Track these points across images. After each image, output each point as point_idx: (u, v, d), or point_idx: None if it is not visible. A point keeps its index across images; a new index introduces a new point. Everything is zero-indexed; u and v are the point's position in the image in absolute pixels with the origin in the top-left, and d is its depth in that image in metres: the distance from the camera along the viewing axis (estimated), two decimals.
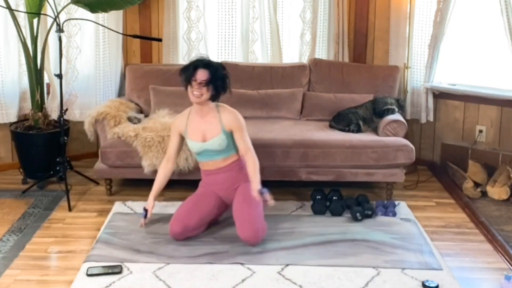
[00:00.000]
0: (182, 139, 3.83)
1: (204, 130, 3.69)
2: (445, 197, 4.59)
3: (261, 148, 4.06)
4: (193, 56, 5.27)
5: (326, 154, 4.31)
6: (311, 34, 5.28)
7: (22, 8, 4.75)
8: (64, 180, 4.37)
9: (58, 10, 4.58)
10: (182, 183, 4.51)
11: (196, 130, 3.71)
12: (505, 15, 4.47)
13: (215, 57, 5.31)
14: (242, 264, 3.40)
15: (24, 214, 4.14)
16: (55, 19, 4.39)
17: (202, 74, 3.58)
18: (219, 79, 3.64)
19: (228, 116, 3.70)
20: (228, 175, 3.75)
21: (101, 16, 5.03)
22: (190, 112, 3.76)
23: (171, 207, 4.21)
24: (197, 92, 3.59)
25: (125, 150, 4.33)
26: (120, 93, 5.32)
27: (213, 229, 3.84)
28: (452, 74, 5.11)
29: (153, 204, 3.85)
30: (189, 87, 3.63)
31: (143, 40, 5.30)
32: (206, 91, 3.60)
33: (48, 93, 4.99)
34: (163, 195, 4.48)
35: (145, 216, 3.84)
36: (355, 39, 5.35)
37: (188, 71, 3.61)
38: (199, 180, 4.40)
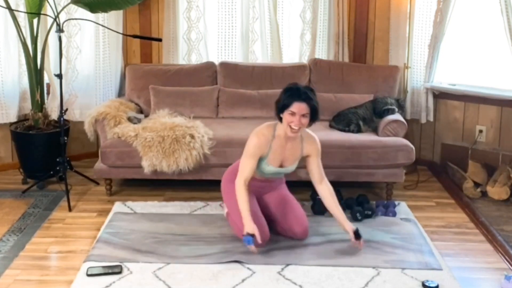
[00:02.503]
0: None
1: (284, 157, 3.60)
2: (445, 197, 4.59)
3: None
4: (193, 56, 5.33)
5: (326, 154, 4.29)
6: (311, 34, 5.28)
7: (22, 8, 4.75)
8: (64, 180, 4.37)
9: (58, 10, 4.58)
10: (182, 183, 4.52)
11: (277, 155, 3.57)
12: (505, 15, 4.46)
13: (215, 57, 5.32)
14: (242, 264, 3.40)
15: (24, 214, 4.14)
16: (55, 19, 4.39)
17: (301, 107, 3.42)
18: (316, 111, 3.49)
19: (310, 144, 3.62)
20: (274, 187, 3.79)
21: (101, 16, 5.02)
22: (275, 136, 3.55)
23: (171, 207, 4.21)
24: (296, 126, 3.44)
25: (125, 150, 4.33)
26: (120, 93, 5.32)
27: (213, 229, 3.85)
28: (452, 74, 5.11)
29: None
30: (285, 116, 3.45)
31: (143, 40, 5.30)
32: (305, 124, 3.48)
33: (48, 93, 4.99)
34: (163, 195, 4.49)
35: (253, 242, 3.43)
36: (355, 39, 5.35)
37: (286, 101, 3.45)
38: (199, 180, 4.43)
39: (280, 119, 3.52)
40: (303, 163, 3.71)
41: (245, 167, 3.54)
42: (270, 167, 3.59)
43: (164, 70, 5.11)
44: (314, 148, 3.63)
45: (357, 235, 3.53)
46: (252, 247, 3.43)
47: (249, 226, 3.43)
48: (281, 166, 3.62)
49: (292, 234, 3.67)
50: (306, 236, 3.68)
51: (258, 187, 3.71)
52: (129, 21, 5.33)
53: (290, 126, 3.45)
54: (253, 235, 3.40)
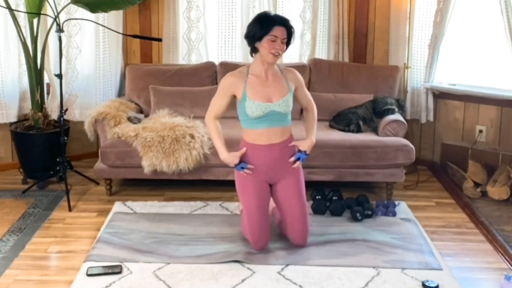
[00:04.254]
0: (231, 101, 3.48)
1: (268, 92, 3.40)
2: (445, 197, 4.59)
3: None
4: (193, 56, 5.33)
5: (326, 154, 4.31)
6: (311, 34, 5.28)
7: (22, 8, 4.75)
8: (64, 180, 4.37)
9: (58, 10, 4.58)
10: (182, 183, 4.52)
11: (258, 91, 3.39)
12: (505, 15, 4.46)
13: (215, 57, 5.32)
14: (242, 264, 3.40)
15: (24, 214, 4.14)
16: (55, 19, 4.39)
17: (281, 32, 3.33)
18: (291, 36, 3.42)
19: (291, 74, 3.53)
20: (282, 152, 3.49)
21: (101, 16, 5.02)
22: (248, 73, 3.45)
23: (171, 207, 4.22)
24: (278, 52, 3.34)
25: (125, 150, 4.33)
26: (120, 93, 5.32)
27: (213, 229, 3.84)
28: (452, 74, 5.11)
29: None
30: (264, 44, 3.35)
31: (143, 40, 5.30)
32: (284, 50, 3.41)
33: (48, 93, 4.99)
34: (163, 195, 4.49)
35: (246, 165, 3.45)
36: (355, 39, 5.35)
37: (265, 27, 3.33)
38: (199, 180, 4.43)
39: (253, 51, 3.45)
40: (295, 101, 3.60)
41: (215, 105, 3.49)
42: (257, 103, 3.36)
43: (164, 70, 5.11)
44: (297, 79, 3.54)
45: (300, 156, 3.51)
46: (248, 168, 3.44)
47: (230, 159, 3.46)
48: (269, 101, 3.40)
49: (290, 239, 3.62)
50: (306, 243, 3.60)
51: (264, 161, 3.46)
52: (129, 21, 5.33)
53: (272, 53, 3.34)
54: (240, 162, 3.44)
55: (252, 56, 3.51)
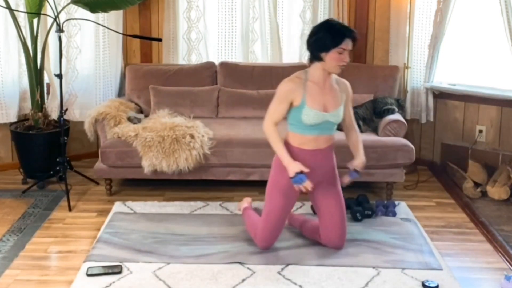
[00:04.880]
0: (289, 108, 3.40)
1: (325, 100, 3.37)
2: (445, 197, 4.59)
3: (261, 148, 4.07)
4: (193, 56, 5.33)
5: None
6: None
7: (22, 8, 4.75)
8: (64, 180, 4.37)
9: (58, 10, 4.58)
10: (182, 183, 4.52)
11: (316, 99, 3.35)
12: (505, 15, 4.47)
13: (215, 57, 5.32)
14: (242, 264, 3.40)
15: (24, 214, 4.14)
16: (55, 19, 4.39)
17: (349, 43, 3.32)
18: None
19: (345, 85, 3.52)
20: (326, 156, 3.51)
21: (101, 16, 5.03)
22: (307, 80, 3.38)
23: (171, 207, 4.22)
24: (344, 64, 3.34)
25: (125, 150, 4.33)
26: (120, 93, 5.32)
27: (213, 229, 3.85)
28: (452, 74, 5.11)
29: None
30: (332, 55, 3.30)
31: (143, 40, 5.30)
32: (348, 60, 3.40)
33: (48, 93, 4.99)
34: (163, 195, 4.49)
35: (306, 178, 3.34)
36: None
37: (337, 40, 3.29)
38: (199, 180, 4.43)
39: (315, 59, 3.36)
40: None
41: (275, 111, 3.40)
42: (314, 111, 3.32)
43: (164, 70, 5.11)
44: (349, 92, 3.53)
45: (355, 175, 3.53)
46: (307, 183, 3.32)
47: (293, 166, 3.33)
48: (326, 111, 3.37)
49: (325, 242, 3.59)
50: (343, 246, 3.59)
51: (310, 167, 3.37)
52: (129, 21, 5.33)
53: (340, 65, 3.35)
54: (301, 172, 3.31)
55: (310, 63, 3.41)
